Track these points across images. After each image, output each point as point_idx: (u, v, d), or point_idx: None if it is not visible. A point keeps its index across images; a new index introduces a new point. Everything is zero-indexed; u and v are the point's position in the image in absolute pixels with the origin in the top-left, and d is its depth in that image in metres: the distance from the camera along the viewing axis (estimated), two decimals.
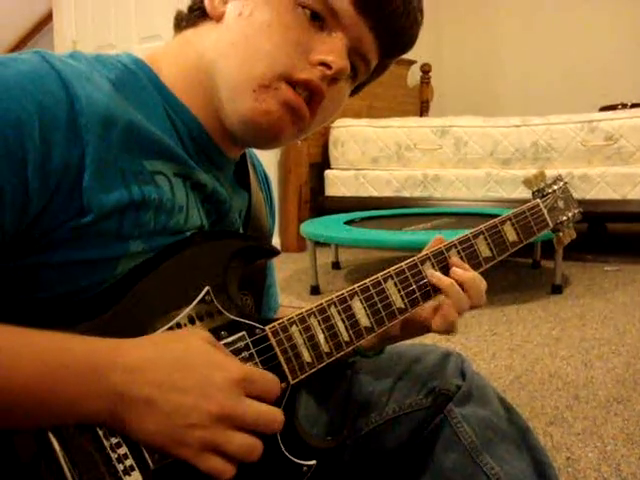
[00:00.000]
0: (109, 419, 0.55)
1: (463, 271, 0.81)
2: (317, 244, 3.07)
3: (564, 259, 3.07)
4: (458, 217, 3.34)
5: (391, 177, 4.11)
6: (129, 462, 0.56)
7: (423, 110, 5.60)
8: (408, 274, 0.79)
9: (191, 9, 0.76)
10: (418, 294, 0.79)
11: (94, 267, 0.61)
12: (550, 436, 1.57)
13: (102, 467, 0.55)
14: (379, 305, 0.76)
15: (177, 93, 0.72)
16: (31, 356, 0.54)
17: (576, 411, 1.71)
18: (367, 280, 0.76)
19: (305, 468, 0.69)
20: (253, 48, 0.69)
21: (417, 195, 4.04)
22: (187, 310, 0.64)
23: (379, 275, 0.77)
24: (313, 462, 0.69)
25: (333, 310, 0.72)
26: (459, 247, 0.83)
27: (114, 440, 0.56)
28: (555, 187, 0.97)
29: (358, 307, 0.74)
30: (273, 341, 0.68)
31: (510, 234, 0.88)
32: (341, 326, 0.73)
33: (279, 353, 0.68)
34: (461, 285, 0.80)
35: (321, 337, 0.71)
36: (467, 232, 0.85)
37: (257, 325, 0.67)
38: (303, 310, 0.71)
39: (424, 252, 0.82)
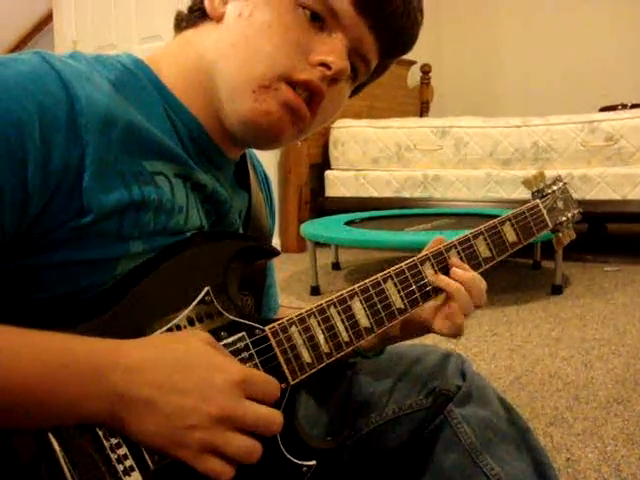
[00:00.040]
0: (109, 419, 0.55)
1: (463, 271, 0.81)
2: (317, 244, 3.07)
3: (564, 260, 3.07)
4: (458, 218, 3.34)
5: (391, 178, 4.11)
6: (129, 462, 0.56)
7: (423, 111, 5.60)
8: (408, 274, 0.79)
9: (191, 9, 0.76)
10: (418, 295, 0.79)
11: (94, 267, 0.61)
12: (550, 437, 1.57)
13: (102, 467, 0.55)
14: (379, 306, 0.76)
15: (177, 93, 0.72)
16: (31, 356, 0.54)
17: (576, 412, 1.71)
18: (367, 280, 0.76)
19: (305, 468, 0.69)
20: (253, 49, 0.69)
21: (417, 196, 4.04)
22: (187, 311, 0.64)
23: (379, 275, 0.77)
24: (313, 462, 0.69)
25: (333, 310, 0.72)
26: (459, 247, 0.84)
27: (114, 440, 0.56)
28: (555, 188, 0.97)
29: (358, 307, 0.74)
30: (273, 342, 0.68)
31: (510, 235, 0.88)
32: (341, 327, 0.73)
33: (279, 354, 0.68)
34: (463, 285, 0.80)
35: (321, 338, 0.71)
36: (467, 232, 0.85)
37: (257, 326, 0.67)
38: (303, 311, 0.71)
39: (424, 252, 0.82)
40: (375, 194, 4.15)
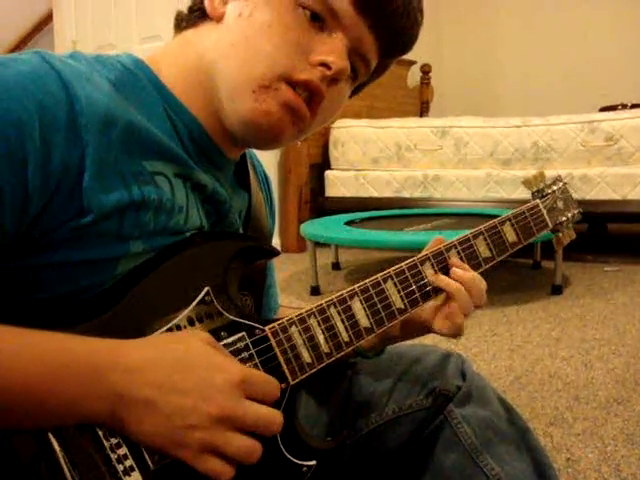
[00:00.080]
0: (109, 420, 0.55)
1: (463, 271, 0.81)
2: (317, 245, 3.07)
3: (564, 260, 3.07)
4: (458, 218, 3.34)
5: (391, 177, 4.11)
6: (129, 462, 0.56)
7: (423, 111, 5.60)
8: (408, 274, 0.79)
9: (191, 9, 0.76)
10: (418, 294, 0.79)
11: (94, 267, 0.61)
12: (550, 437, 1.57)
13: (102, 467, 0.55)
14: (379, 305, 0.76)
15: (177, 93, 0.72)
16: (31, 356, 0.54)
17: (576, 412, 1.71)
18: (367, 280, 0.76)
19: (305, 468, 0.68)
20: (253, 49, 0.69)
21: (417, 196, 4.05)
22: (187, 311, 0.64)
23: (379, 275, 0.77)
24: (313, 462, 0.69)
25: (333, 310, 0.72)
26: (459, 247, 0.83)
27: (114, 440, 0.56)
28: (554, 188, 0.97)
29: (358, 307, 0.74)
30: (273, 342, 0.68)
31: (510, 235, 0.88)
32: (341, 327, 0.73)
33: (279, 354, 0.68)
34: (463, 285, 0.80)
35: (321, 338, 0.71)
36: (467, 232, 0.85)
37: (257, 326, 0.67)
38: (303, 311, 0.71)
39: (424, 252, 0.82)
40: (375, 194, 4.15)
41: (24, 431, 0.54)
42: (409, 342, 0.91)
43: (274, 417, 0.61)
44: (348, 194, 4.22)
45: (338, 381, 0.95)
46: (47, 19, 5.27)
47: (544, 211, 0.93)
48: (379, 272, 0.77)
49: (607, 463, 1.43)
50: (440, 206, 3.87)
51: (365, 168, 4.22)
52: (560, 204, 0.96)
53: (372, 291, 0.76)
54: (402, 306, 0.78)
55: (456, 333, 0.82)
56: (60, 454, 0.54)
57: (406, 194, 4.07)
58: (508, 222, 0.89)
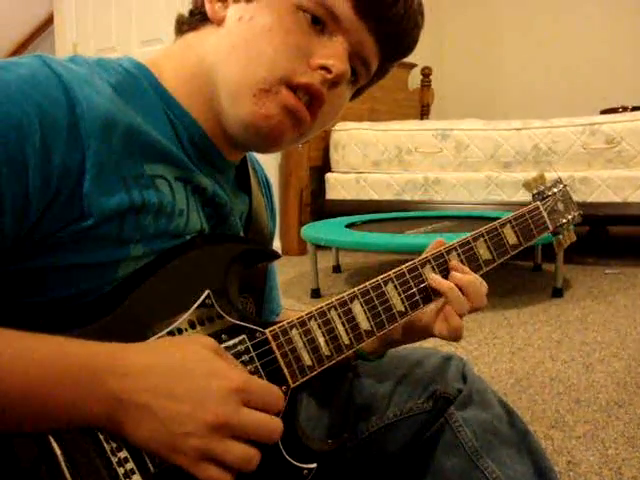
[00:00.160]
0: (108, 423, 0.55)
1: (462, 274, 0.81)
2: (318, 247, 3.07)
3: (565, 262, 3.07)
4: (459, 220, 3.34)
5: (392, 180, 4.11)
6: (130, 466, 0.56)
7: (424, 113, 5.60)
8: (408, 277, 0.79)
9: (192, 13, 0.76)
10: (418, 297, 0.79)
11: (94, 271, 0.61)
12: (551, 440, 1.57)
13: (103, 471, 0.55)
14: (379, 308, 0.76)
15: (178, 97, 0.72)
16: (30, 360, 0.54)
17: (577, 415, 1.71)
18: (367, 283, 0.76)
19: (306, 471, 0.68)
20: (254, 52, 0.69)
21: (418, 198, 4.05)
22: (187, 314, 0.64)
23: (379, 278, 0.77)
24: (314, 465, 0.69)
25: (333, 313, 0.72)
26: (459, 250, 0.83)
27: (114, 444, 0.56)
28: (555, 190, 0.97)
29: (358, 310, 0.74)
30: (273, 344, 0.67)
31: (510, 237, 0.88)
32: (341, 329, 0.73)
33: (279, 356, 0.68)
34: (461, 288, 0.80)
35: (321, 340, 0.71)
36: (467, 235, 0.85)
37: (257, 328, 0.67)
38: (303, 313, 0.71)
39: (424, 255, 0.82)
40: (376, 197, 4.15)
41: (24, 434, 0.54)
42: (410, 345, 0.90)
43: (273, 425, 0.61)
44: (349, 197, 4.23)
45: (339, 384, 0.95)
46: (48, 22, 5.28)
47: (545, 213, 0.93)
48: (380, 275, 0.77)
49: (608, 466, 1.43)
50: (441, 209, 3.87)
51: (366, 171, 4.22)
52: (561, 206, 0.96)
53: (372, 294, 0.76)
54: (403, 309, 0.78)
55: (454, 335, 0.81)
56: (61, 457, 0.54)
57: (407, 197, 4.07)
58: (509, 224, 0.89)
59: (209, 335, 0.64)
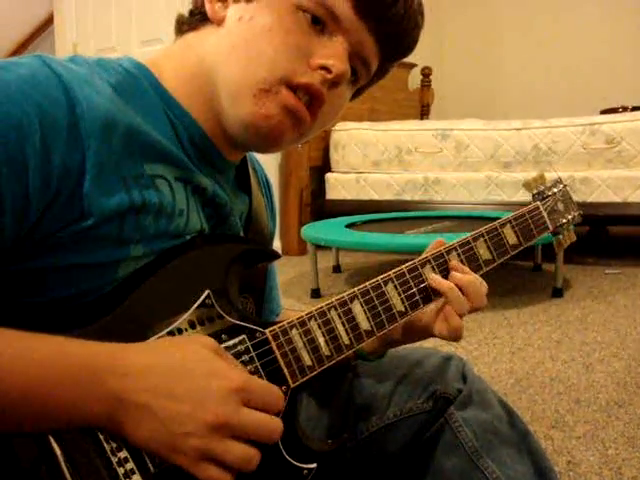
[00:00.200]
0: (108, 423, 0.55)
1: (462, 274, 0.81)
2: (318, 247, 3.07)
3: (565, 262, 3.07)
4: (459, 220, 3.34)
5: (392, 180, 4.11)
6: (130, 466, 0.56)
7: (424, 113, 5.60)
8: (408, 277, 0.79)
9: (192, 13, 0.76)
10: (418, 297, 0.79)
11: (95, 271, 0.61)
12: (551, 440, 1.57)
13: (103, 471, 0.55)
14: (379, 308, 0.76)
15: (178, 97, 0.72)
16: (30, 360, 0.54)
17: (577, 415, 1.71)
18: (367, 283, 0.76)
19: (306, 471, 0.68)
20: (254, 52, 0.69)
21: (418, 198, 4.05)
22: (188, 314, 0.64)
23: (379, 278, 0.77)
24: (314, 465, 0.69)
25: (333, 313, 0.72)
26: (459, 250, 0.83)
27: (114, 444, 0.56)
28: (555, 190, 0.97)
29: (358, 310, 0.74)
30: (273, 344, 0.67)
31: (510, 237, 0.88)
32: (341, 329, 0.73)
33: (279, 356, 0.68)
34: (461, 288, 0.80)
35: (321, 340, 0.71)
36: (467, 235, 0.85)
37: (257, 328, 0.67)
38: (303, 313, 0.71)
39: (424, 255, 0.82)
40: (376, 197, 4.15)
41: (25, 435, 0.54)
42: (410, 345, 0.90)
43: (273, 425, 0.61)
44: (349, 197, 4.23)
45: (339, 384, 0.95)
46: (48, 22, 5.28)
47: (545, 213, 0.93)
48: (379, 275, 0.77)
49: (608, 466, 1.43)
50: (441, 209, 3.87)
51: (366, 171, 4.22)
52: (561, 206, 0.96)
53: (372, 294, 0.76)
54: (403, 309, 0.78)
55: (454, 335, 0.81)
56: (61, 457, 0.54)
57: (407, 197, 4.07)
58: (509, 224, 0.88)
59: (209, 335, 0.64)
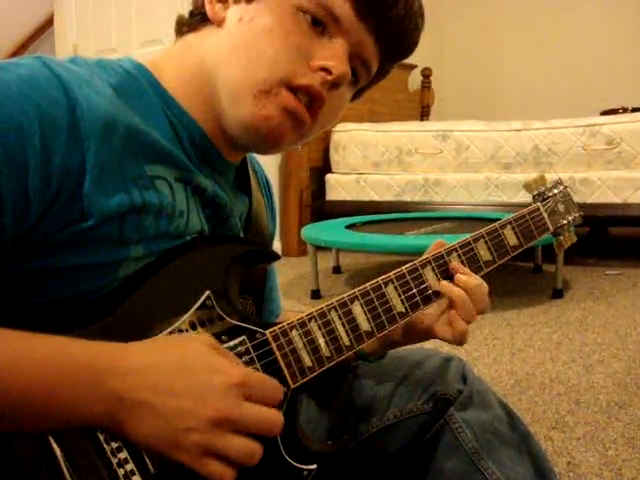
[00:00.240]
0: (109, 423, 0.55)
1: (468, 277, 0.81)
2: (318, 248, 3.07)
3: (565, 263, 3.07)
4: (459, 221, 3.34)
5: (392, 181, 4.11)
6: (130, 467, 0.56)
7: (424, 114, 5.60)
8: (408, 278, 0.79)
9: (192, 14, 0.76)
10: (419, 298, 0.79)
11: (95, 272, 0.61)
12: (551, 441, 1.56)
13: (103, 472, 0.55)
14: (379, 309, 0.76)
15: (178, 98, 0.72)
16: (31, 360, 0.54)
17: (577, 416, 1.71)
18: (367, 284, 0.76)
19: (306, 472, 0.68)
20: (254, 53, 0.69)
21: (418, 199, 4.05)
22: (188, 315, 0.64)
23: (379, 279, 0.77)
24: (314, 466, 0.69)
25: (333, 314, 0.72)
26: (460, 251, 0.83)
27: (114, 445, 0.56)
28: (555, 191, 0.97)
29: (358, 311, 0.74)
30: (273, 345, 0.67)
31: (510, 238, 0.88)
32: (341, 330, 0.73)
33: (279, 357, 0.68)
34: (467, 291, 0.80)
35: (321, 341, 0.71)
36: (468, 236, 0.85)
37: (257, 329, 0.67)
38: (303, 314, 0.70)
39: (425, 256, 0.82)
40: (376, 198, 4.15)
41: (25, 435, 0.54)
42: (410, 346, 0.90)
43: (274, 418, 0.61)
44: (349, 198, 4.23)
45: (339, 385, 0.95)
46: (48, 23, 5.28)
47: (545, 214, 0.93)
48: (380, 276, 0.77)
49: (608, 467, 1.43)
50: (441, 210, 3.87)
51: (366, 172, 4.21)
52: (561, 207, 0.96)
53: (373, 295, 0.76)
54: (403, 310, 0.78)
55: (459, 340, 0.81)
56: (61, 458, 0.54)
57: (407, 198, 4.07)
58: (509, 225, 0.88)
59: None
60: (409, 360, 0.95)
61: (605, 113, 4.30)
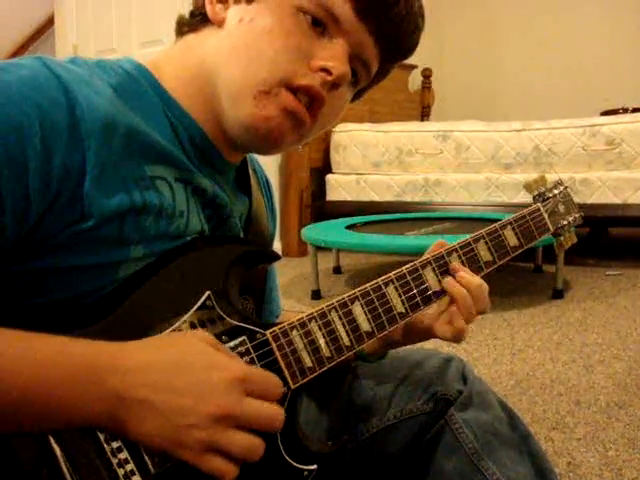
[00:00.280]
0: (110, 422, 0.55)
1: (470, 276, 0.81)
2: (318, 249, 3.07)
3: (565, 264, 3.07)
4: (459, 222, 3.34)
5: (392, 182, 4.11)
6: (130, 467, 0.56)
7: (424, 115, 5.60)
8: (409, 278, 0.79)
9: (192, 14, 0.76)
10: (419, 298, 0.79)
11: (95, 272, 0.62)
12: (551, 441, 1.56)
13: (103, 472, 0.55)
14: (380, 310, 0.76)
15: (178, 98, 0.72)
16: (32, 360, 0.54)
17: (577, 416, 1.71)
18: (368, 285, 0.76)
19: (306, 473, 0.68)
20: (254, 54, 0.69)
21: (418, 200, 4.05)
22: (188, 315, 0.64)
23: (380, 279, 0.77)
24: (314, 467, 0.69)
25: (334, 315, 0.72)
26: (460, 252, 0.83)
27: (115, 445, 0.56)
28: (556, 191, 0.97)
29: (359, 312, 0.74)
30: (274, 346, 0.67)
31: (511, 238, 0.88)
32: (342, 331, 0.73)
33: (279, 358, 0.68)
34: (468, 290, 0.80)
35: (322, 342, 0.71)
36: (468, 237, 0.85)
37: (258, 330, 0.67)
38: (304, 315, 0.70)
39: (425, 256, 0.82)
40: (376, 198, 4.16)
41: (25, 436, 0.54)
42: (410, 346, 0.90)
43: (275, 413, 0.61)
44: (349, 198, 4.23)
45: (339, 385, 0.95)
46: (48, 24, 5.29)
47: (545, 215, 0.93)
48: (380, 276, 0.77)
49: (609, 467, 1.43)
50: (441, 210, 3.87)
51: (366, 172, 4.22)
52: (561, 208, 0.96)
53: (373, 295, 0.76)
54: (403, 310, 0.78)
55: (458, 337, 0.81)
56: (61, 459, 0.54)
57: (407, 198, 4.07)
58: (509, 226, 0.88)
59: None
60: (409, 360, 0.95)
61: (605, 113, 4.31)
